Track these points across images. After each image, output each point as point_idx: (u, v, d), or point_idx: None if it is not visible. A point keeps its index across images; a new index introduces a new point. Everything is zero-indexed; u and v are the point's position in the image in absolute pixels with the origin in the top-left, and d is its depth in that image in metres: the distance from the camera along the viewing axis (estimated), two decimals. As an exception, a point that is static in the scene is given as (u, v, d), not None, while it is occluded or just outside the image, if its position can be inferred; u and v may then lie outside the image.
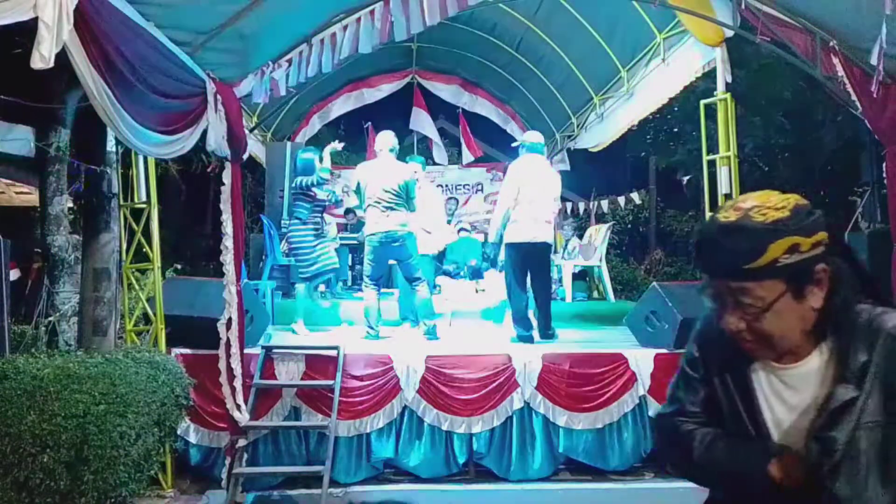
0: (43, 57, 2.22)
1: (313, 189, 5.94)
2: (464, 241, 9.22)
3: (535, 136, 6.05)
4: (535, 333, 5.71)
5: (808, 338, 1.25)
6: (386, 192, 5.70)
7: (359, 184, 5.88)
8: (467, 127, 11.45)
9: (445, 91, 10.57)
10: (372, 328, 5.81)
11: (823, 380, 1.25)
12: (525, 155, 5.83)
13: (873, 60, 4.05)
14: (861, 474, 1.18)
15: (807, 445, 1.25)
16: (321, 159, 6.11)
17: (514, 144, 6.22)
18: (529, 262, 5.71)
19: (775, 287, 1.19)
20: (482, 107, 10.68)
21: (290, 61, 4.35)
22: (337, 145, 6.43)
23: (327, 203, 6.32)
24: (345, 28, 4.38)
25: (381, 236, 5.72)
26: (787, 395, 1.28)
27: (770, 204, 1.20)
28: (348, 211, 10.08)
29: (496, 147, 12.97)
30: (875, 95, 4.32)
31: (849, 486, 1.19)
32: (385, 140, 5.94)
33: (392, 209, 5.71)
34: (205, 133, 3.90)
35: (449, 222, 9.45)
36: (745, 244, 1.18)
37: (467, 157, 11.68)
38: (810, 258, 1.18)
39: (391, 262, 6.28)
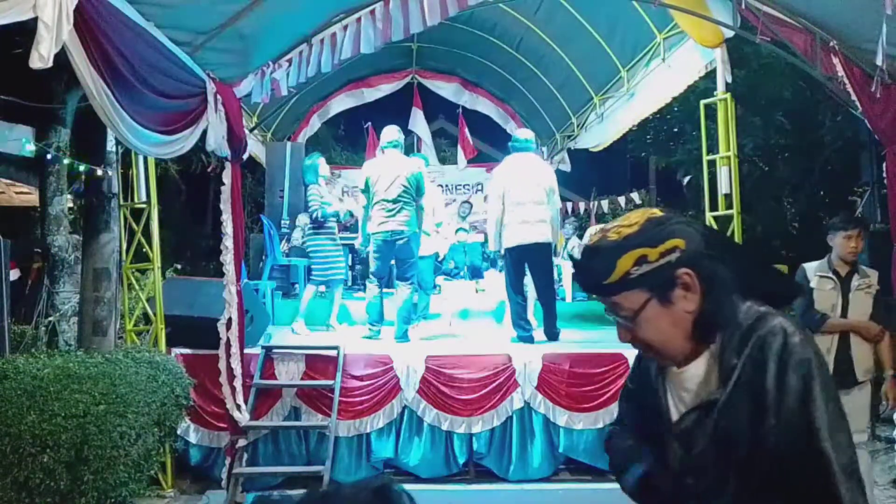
0: (42, 57, 2.22)
1: (326, 222, 6.19)
2: (464, 244, 9.22)
3: (522, 133, 6.02)
4: (535, 333, 5.70)
5: (694, 341, 1.27)
6: (397, 188, 5.64)
7: (367, 181, 5.79)
8: (466, 128, 11.45)
9: (446, 89, 10.56)
10: (373, 327, 5.81)
11: (708, 381, 1.28)
12: (510, 156, 5.81)
13: (878, 61, 4.03)
14: (721, 474, 1.21)
15: (669, 444, 1.29)
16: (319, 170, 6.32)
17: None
18: (528, 264, 5.71)
19: (638, 297, 1.24)
20: (483, 105, 10.67)
21: (290, 61, 4.33)
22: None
23: (341, 220, 6.65)
24: (345, 28, 4.36)
25: (387, 234, 5.69)
26: (685, 397, 1.32)
27: (625, 223, 1.27)
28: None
29: (497, 147, 12.95)
30: (876, 95, 4.32)
31: (709, 485, 1.22)
32: (389, 134, 5.88)
33: (402, 207, 5.66)
34: (205, 133, 3.90)
35: (462, 223, 9.51)
36: (600, 263, 1.26)
37: (462, 158, 11.69)
38: (663, 265, 1.22)
39: (392, 262, 6.27)
